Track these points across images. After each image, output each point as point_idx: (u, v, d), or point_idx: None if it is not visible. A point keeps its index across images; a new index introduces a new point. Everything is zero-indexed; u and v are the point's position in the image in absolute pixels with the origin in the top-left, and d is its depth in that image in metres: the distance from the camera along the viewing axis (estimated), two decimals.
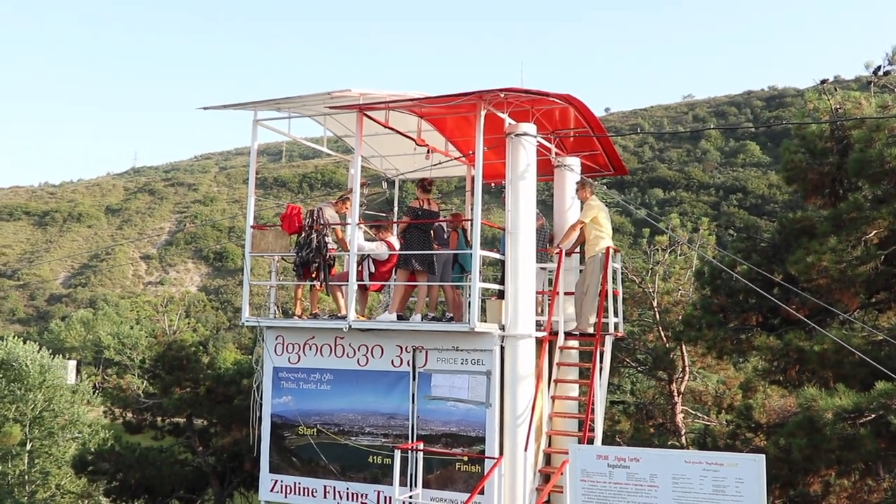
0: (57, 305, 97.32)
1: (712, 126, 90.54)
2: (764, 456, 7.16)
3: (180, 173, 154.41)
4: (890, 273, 11.63)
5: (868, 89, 12.55)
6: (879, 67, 12.31)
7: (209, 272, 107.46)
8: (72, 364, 56.38)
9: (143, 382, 22.10)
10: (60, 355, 38.74)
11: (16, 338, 32.96)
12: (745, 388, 16.57)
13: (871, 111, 11.70)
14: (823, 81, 13.04)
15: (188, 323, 25.97)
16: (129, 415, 22.16)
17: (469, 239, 10.90)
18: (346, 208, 11.38)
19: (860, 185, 12.29)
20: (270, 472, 10.90)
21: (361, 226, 11.00)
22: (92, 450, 21.71)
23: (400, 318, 10.52)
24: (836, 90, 12.65)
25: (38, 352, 31.52)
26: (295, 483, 10.71)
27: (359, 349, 10.44)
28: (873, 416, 9.67)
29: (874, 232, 11.27)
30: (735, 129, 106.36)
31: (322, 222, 10.91)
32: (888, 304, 12.98)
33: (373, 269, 11.01)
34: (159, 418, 21.48)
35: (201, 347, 22.12)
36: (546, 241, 11.71)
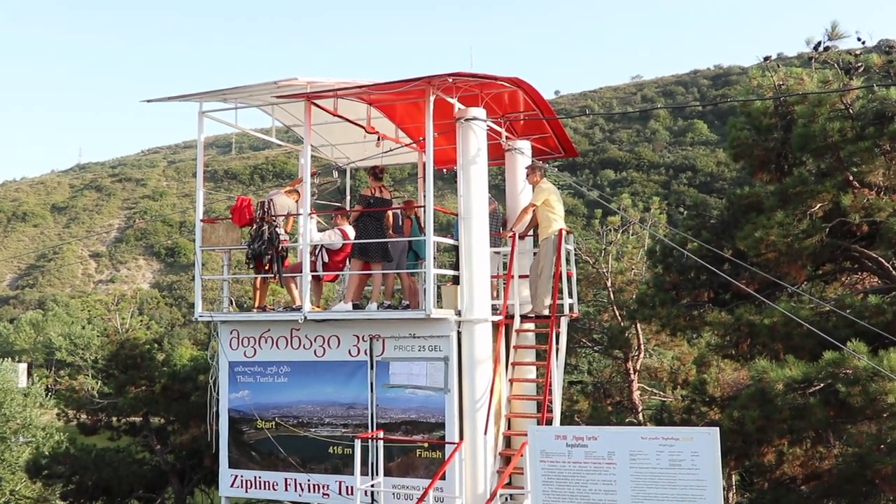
0: (4, 308, 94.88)
1: (660, 106, 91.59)
2: (718, 429, 7.27)
3: (128, 168, 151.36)
4: (835, 245, 11.91)
5: (810, 65, 12.77)
6: (820, 43, 12.51)
7: (161, 268, 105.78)
8: (22, 367, 55.01)
9: (96, 383, 21.70)
10: (10, 358, 37.82)
11: None
12: (699, 364, 16.88)
13: (812, 87, 11.92)
14: (767, 58, 13.23)
15: (141, 320, 25.53)
16: (84, 416, 21.75)
17: (423, 225, 10.88)
18: (297, 197, 11.27)
19: (804, 159, 12.54)
20: (230, 467, 10.80)
21: (314, 216, 10.89)
22: (46, 453, 21.27)
23: (356, 307, 10.47)
24: (778, 67, 12.84)
25: None
26: (255, 477, 10.62)
27: (315, 340, 10.37)
28: (822, 385, 9.91)
29: (819, 205, 11.50)
30: (683, 108, 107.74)
31: (273, 213, 10.78)
32: (834, 275, 13.32)
33: (326, 259, 10.92)
34: (115, 418, 21.13)
35: (156, 345, 21.78)
36: (499, 226, 11.73)
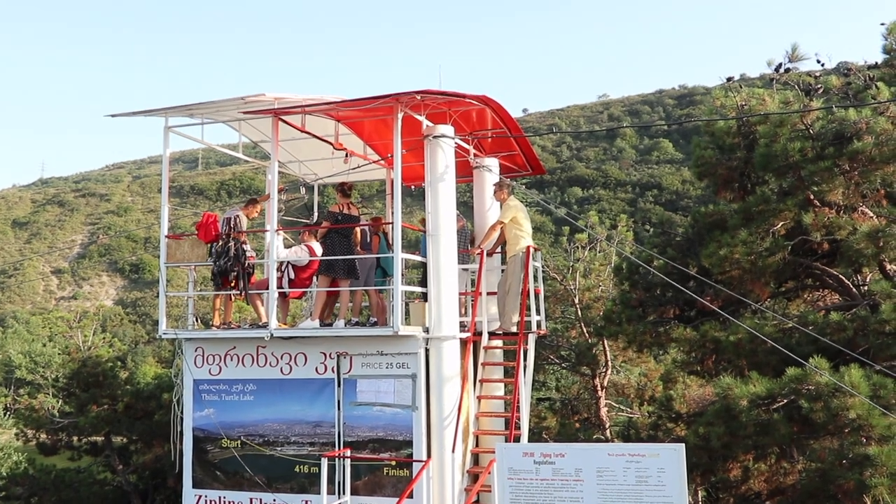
0: None
1: (627, 125, 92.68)
2: (683, 445, 7.32)
3: (91, 183, 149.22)
4: (797, 263, 12.10)
5: (771, 86, 13.01)
6: (781, 65, 12.76)
7: (125, 285, 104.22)
8: None
9: (57, 401, 21.26)
10: None
11: None
12: (666, 380, 17.00)
13: (774, 107, 12.13)
14: (730, 79, 13.46)
15: (104, 338, 25.18)
16: (43, 436, 21.25)
17: (391, 242, 10.85)
18: (256, 212, 11.19)
19: (766, 178, 12.75)
20: (194, 487, 10.63)
21: (280, 232, 10.82)
22: (4, 474, 20.75)
23: (324, 324, 10.40)
24: (741, 87, 13.08)
25: None
26: (220, 497, 10.46)
27: (282, 358, 10.28)
28: (785, 401, 10.02)
29: (781, 223, 11.70)
30: (648, 126, 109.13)
31: (239, 230, 10.70)
32: (796, 292, 13.53)
33: (293, 276, 10.85)
34: (75, 438, 20.68)
35: (119, 363, 21.44)
36: (467, 242, 11.76)
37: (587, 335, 19.37)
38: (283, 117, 10.35)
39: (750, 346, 11.24)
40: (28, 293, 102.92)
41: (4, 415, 32.38)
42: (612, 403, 20.01)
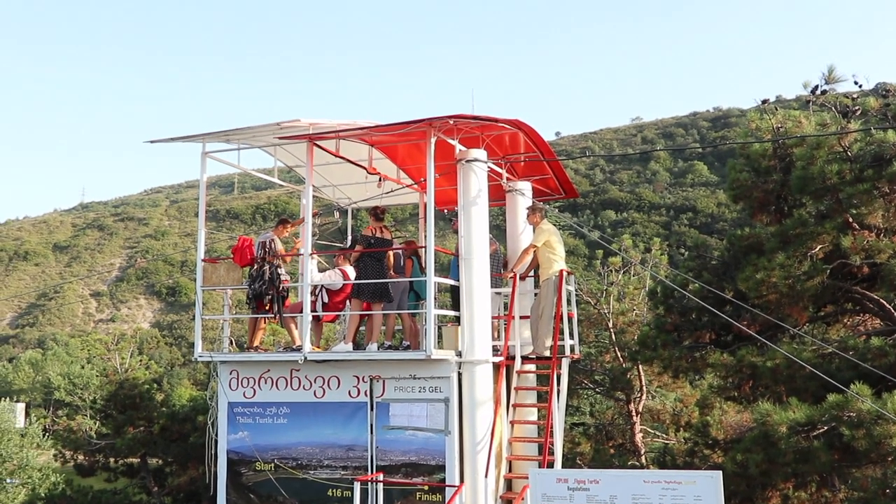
0: (4, 347, 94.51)
1: (661, 147, 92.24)
2: (721, 472, 7.21)
3: (130, 208, 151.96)
4: (836, 287, 11.89)
5: (808, 108, 12.89)
6: (817, 87, 12.63)
7: (162, 307, 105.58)
8: (20, 407, 54.68)
9: (94, 423, 21.55)
10: (8, 398, 37.63)
11: None
12: (702, 406, 16.74)
13: (810, 129, 12.01)
14: (765, 101, 13.35)
15: (141, 360, 25.48)
16: (81, 457, 21.56)
17: (424, 266, 10.88)
18: (287, 232, 11.30)
19: (804, 201, 12.59)
20: None
21: (314, 256, 10.90)
22: (42, 495, 21.09)
23: (357, 347, 10.43)
24: (777, 109, 12.96)
25: None
26: None
27: (315, 381, 10.31)
28: (826, 428, 9.82)
29: (819, 247, 11.52)
30: (683, 149, 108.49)
31: (274, 253, 10.81)
32: (836, 317, 13.28)
33: (326, 300, 10.91)
34: (112, 459, 20.94)
35: (155, 385, 21.69)
36: (500, 266, 11.75)
37: (621, 360, 19.18)
38: (318, 142, 10.47)
39: (788, 372, 11.05)
40: (68, 316, 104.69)
41: (44, 436, 32.81)
42: (648, 429, 19.75)
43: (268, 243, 10.84)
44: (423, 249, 10.45)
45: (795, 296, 11.39)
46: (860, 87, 12.38)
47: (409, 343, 10.83)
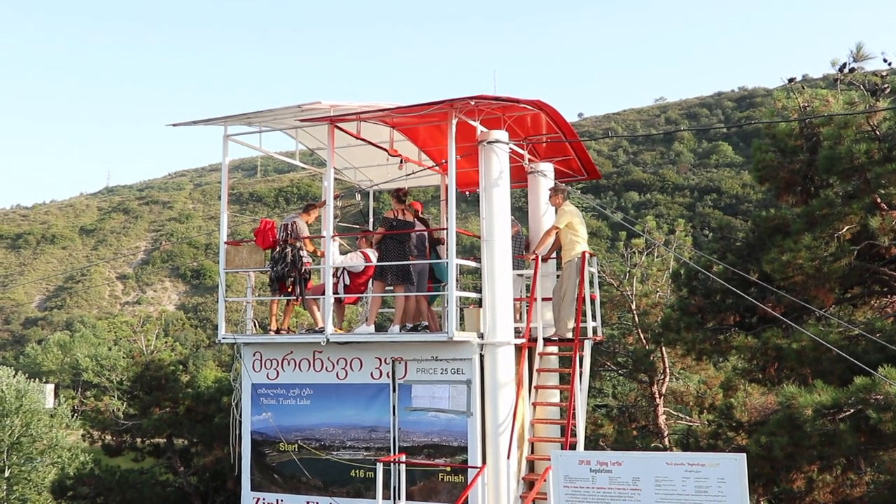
0: (33, 329, 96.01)
1: (684, 128, 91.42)
2: (745, 455, 7.15)
3: (155, 191, 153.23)
4: (863, 268, 11.73)
5: (835, 87, 12.66)
6: (845, 65, 12.40)
7: (187, 290, 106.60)
8: (49, 388, 55.54)
9: (121, 404, 21.81)
10: (37, 379, 38.16)
11: None
12: (726, 388, 16.65)
13: (838, 108, 11.81)
14: (791, 80, 13.13)
15: (166, 342, 25.69)
16: (108, 437, 21.84)
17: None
18: (313, 217, 11.33)
19: (831, 181, 12.40)
20: (252, 489, 10.78)
21: (336, 238, 10.92)
22: (71, 474, 21.36)
23: (379, 329, 10.45)
24: (803, 88, 12.75)
25: (14, 377, 31.02)
26: (277, 500, 10.59)
27: (338, 363, 10.37)
28: (852, 410, 9.70)
29: (846, 228, 11.35)
30: (707, 130, 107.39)
31: (296, 236, 10.84)
32: (863, 298, 13.10)
33: (348, 282, 10.94)
34: (139, 440, 21.20)
35: (180, 366, 21.88)
36: (522, 248, 11.70)
37: (644, 342, 19.09)
38: (339, 124, 10.45)
39: (814, 354, 10.94)
40: (95, 298, 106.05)
41: (72, 416, 33.32)
42: (671, 411, 19.67)
43: (290, 226, 10.87)
44: (445, 231, 10.42)
45: (822, 277, 11.25)
46: (889, 64, 12.13)
47: (427, 324, 10.83)
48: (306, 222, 11.17)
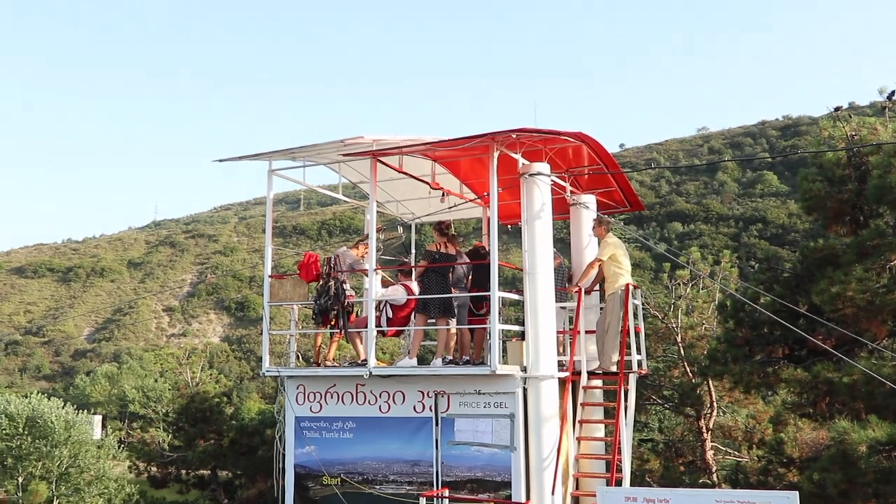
0: (82, 360, 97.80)
1: (728, 158, 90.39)
2: (797, 492, 6.97)
3: (200, 225, 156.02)
4: None
5: (883, 115, 12.47)
6: (893, 92, 12.23)
7: (231, 322, 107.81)
8: (97, 419, 56.34)
9: (167, 435, 22.09)
10: (86, 410, 38.81)
11: (41, 394, 33.04)
12: (776, 422, 16.28)
13: (886, 136, 11.62)
14: (837, 108, 12.97)
15: (211, 374, 26.02)
16: (154, 469, 22.14)
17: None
18: (364, 252, 11.42)
19: (881, 211, 12.16)
20: None
21: (379, 271, 10.99)
22: None
23: (421, 362, 10.45)
24: (850, 117, 12.58)
25: (63, 408, 31.57)
26: None
27: (380, 396, 10.36)
28: None
29: None
30: (751, 159, 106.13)
31: (339, 269, 10.92)
32: None
33: (391, 315, 10.96)
34: (184, 471, 21.44)
35: (224, 398, 22.13)
36: (565, 280, 11.64)
37: (691, 375, 18.77)
38: (381, 158, 10.56)
39: (867, 388, 10.65)
40: (141, 330, 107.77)
41: (119, 447, 33.77)
42: (719, 446, 19.25)
43: (333, 259, 10.97)
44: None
45: (874, 310, 11.00)
46: None
47: (467, 357, 10.78)
48: (359, 256, 11.28)
